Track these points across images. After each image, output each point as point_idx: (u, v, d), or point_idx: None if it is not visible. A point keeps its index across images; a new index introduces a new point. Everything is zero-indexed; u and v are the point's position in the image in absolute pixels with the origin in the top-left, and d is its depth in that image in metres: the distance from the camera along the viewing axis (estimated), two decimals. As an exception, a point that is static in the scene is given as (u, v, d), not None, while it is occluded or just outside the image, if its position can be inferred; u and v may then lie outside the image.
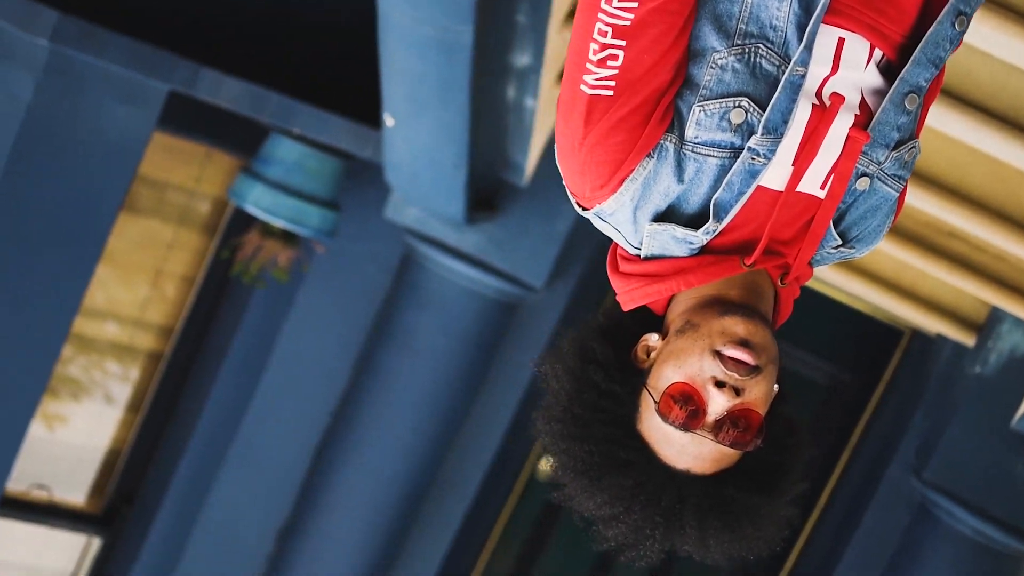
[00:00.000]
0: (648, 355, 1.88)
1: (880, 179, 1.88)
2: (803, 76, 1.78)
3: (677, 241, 1.85)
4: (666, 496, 1.85)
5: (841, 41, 1.82)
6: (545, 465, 6.44)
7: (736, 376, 1.79)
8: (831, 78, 1.82)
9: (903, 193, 1.96)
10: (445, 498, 6.00)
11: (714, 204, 1.81)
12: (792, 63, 1.78)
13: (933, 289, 5.44)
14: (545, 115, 5.48)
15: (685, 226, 1.83)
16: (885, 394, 6.03)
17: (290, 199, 5.56)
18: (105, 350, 6.30)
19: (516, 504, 6.50)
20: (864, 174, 1.85)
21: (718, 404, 1.80)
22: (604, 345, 1.88)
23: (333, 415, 5.91)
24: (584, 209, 1.89)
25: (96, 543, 6.53)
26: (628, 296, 1.90)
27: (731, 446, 1.81)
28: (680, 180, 1.81)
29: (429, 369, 5.70)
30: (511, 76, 4.56)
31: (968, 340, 5.39)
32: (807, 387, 6.24)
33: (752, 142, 1.79)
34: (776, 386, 1.86)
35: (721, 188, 1.81)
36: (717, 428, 1.81)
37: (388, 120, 4.90)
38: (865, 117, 1.84)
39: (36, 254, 5.32)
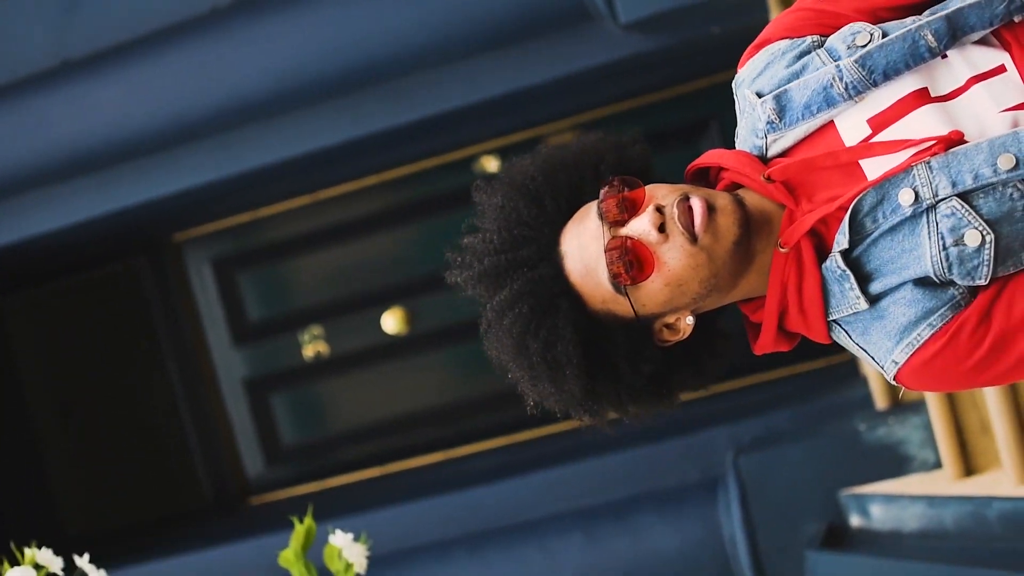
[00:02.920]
0: None
1: (927, 220, 1.75)
2: (929, 49, 1.75)
3: (755, 127, 1.88)
4: (527, 250, 1.86)
5: (1001, 68, 1.76)
6: (489, 163, 6.08)
7: (674, 217, 1.79)
8: (963, 92, 1.76)
9: (955, 328, 1.78)
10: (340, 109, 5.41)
11: (784, 91, 1.83)
12: (923, 23, 1.76)
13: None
14: None
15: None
16: (787, 380, 5.83)
17: None
18: None
19: (411, 172, 6.09)
20: (914, 191, 1.75)
21: (640, 223, 1.80)
22: (644, 153, 1.93)
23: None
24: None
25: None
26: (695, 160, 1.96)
27: (607, 262, 1.80)
28: (788, 66, 1.86)
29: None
30: None
31: (882, 403, 5.11)
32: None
33: (843, 61, 1.79)
34: (692, 318, 1.85)
35: (800, 85, 1.81)
36: (615, 244, 1.80)
37: None
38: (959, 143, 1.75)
39: None
